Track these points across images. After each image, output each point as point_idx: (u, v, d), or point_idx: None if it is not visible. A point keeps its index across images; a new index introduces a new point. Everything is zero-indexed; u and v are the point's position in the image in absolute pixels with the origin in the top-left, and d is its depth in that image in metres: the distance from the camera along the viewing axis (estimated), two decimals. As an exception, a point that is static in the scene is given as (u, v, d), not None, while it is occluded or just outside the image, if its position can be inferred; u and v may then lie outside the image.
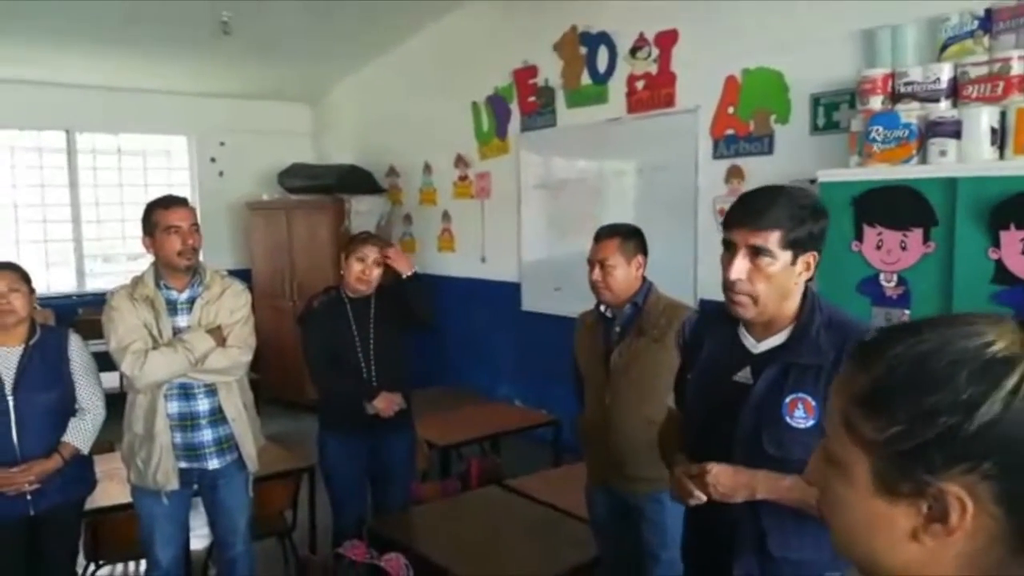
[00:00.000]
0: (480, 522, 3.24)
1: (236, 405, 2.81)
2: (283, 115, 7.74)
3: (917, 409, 0.65)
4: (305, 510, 3.73)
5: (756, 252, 1.62)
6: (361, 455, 3.27)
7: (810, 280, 1.69)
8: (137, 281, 2.77)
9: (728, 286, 1.67)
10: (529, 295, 5.71)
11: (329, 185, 6.65)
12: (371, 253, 3.20)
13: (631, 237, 2.65)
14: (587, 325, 2.79)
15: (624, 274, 2.60)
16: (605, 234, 2.65)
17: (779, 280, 1.64)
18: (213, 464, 2.80)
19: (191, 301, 2.77)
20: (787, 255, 1.63)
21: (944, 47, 3.20)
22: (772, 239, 1.61)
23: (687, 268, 4.48)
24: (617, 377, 2.64)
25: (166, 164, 7.51)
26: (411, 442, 3.45)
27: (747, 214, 1.66)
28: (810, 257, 1.66)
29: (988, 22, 3.10)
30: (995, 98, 2.94)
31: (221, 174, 7.49)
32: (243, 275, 6.43)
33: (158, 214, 2.71)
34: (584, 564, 2.89)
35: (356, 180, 6.76)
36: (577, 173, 5.30)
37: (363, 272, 3.19)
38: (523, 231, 5.72)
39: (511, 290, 5.83)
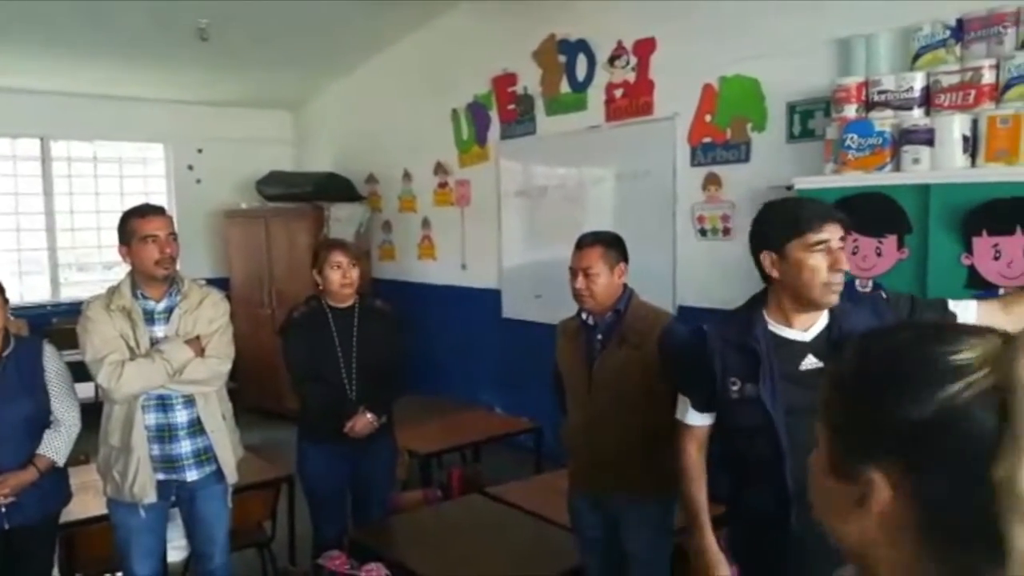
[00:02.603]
0: (462, 531, 3.23)
1: (215, 416, 2.79)
2: (262, 122, 7.71)
3: (865, 400, 0.70)
4: (284, 521, 3.69)
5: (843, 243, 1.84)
6: (341, 465, 3.24)
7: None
8: (113, 291, 2.74)
9: (830, 281, 1.81)
10: (509, 302, 5.72)
11: (308, 193, 6.63)
12: (343, 257, 3.18)
13: (613, 245, 2.66)
14: (568, 333, 2.80)
15: (607, 282, 2.61)
16: (588, 242, 2.66)
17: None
18: (191, 476, 2.77)
19: (169, 311, 2.74)
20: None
21: (917, 56, 3.25)
22: (842, 232, 1.84)
23: (666, 275, 4.50)
24: (599, 384, 2.64)
25: (143, 172, 7.44)
26: (391, 451, 3.43)
27: (835, 213, 1.86)
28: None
29: (960, 32, 3.15)
30: (967, 106, 2.99)
31: (199, 182, 7.43)
32: (221, 283, 6.40)
33: (135, 223, 2.68)
34: (567, 572, 2.88)
35: (335, 187, 6.73)
36: (557, 180, 5.31)
37: (344, 277, 3.17)
38: (503, 238, 5.73)
39: (491, 297, 5.83)
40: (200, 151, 7.40)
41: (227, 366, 2.81)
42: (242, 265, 7.11)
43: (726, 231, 4.27)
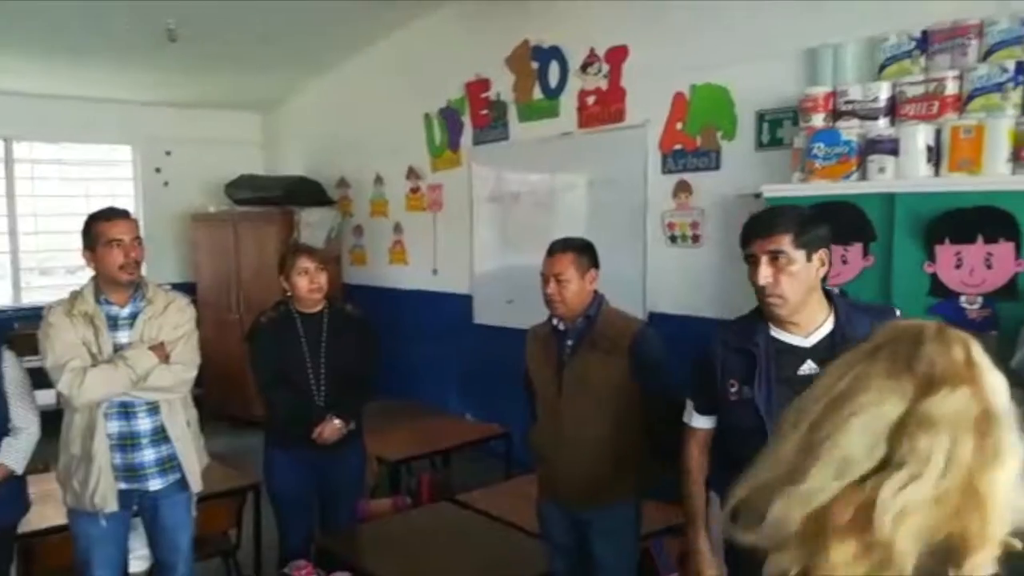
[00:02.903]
0: (430, 538, 3.21)
1: (179, 423, 2.74)
2: (231, 125, 7.62)
3: None
4: (250, 529, 3.64)
5: (774, 256, 1.88)
6: (308, 472, 3.20)
7: (825, 278, 1.96)
8: (76, 296, 2.68)
9: (760, 292, 1.92)
10: (481, 308, 5.71)
11: (277, 196, 6.56)
12: (310, 262, 3.14)
13: (585, 251, 2.67)
14: (539, 338, 2.80)
15: (578, 288, 2.62)
16: (559, 248, 2.67)
17: (801, 276, 1.88)
18: (155, 485, 2.72)
19: (133, 317, 2.69)
20: (801, 254, 1.88)
21: (883, 67, 3.30)
22: (785, 242, 1.87)
23: (637, 281, 4.52)
24: (570, 391, 2.65)
25: (109, 174, 7.32)
26: (360, 458, 3.40)
27: (759, 227, 1.94)
28: (823, 254, 1.92)
29: (924, 43, 3.21)
30: (931, 116, 3.04)
31: (166, 184, 7.33)
32: (188, 288, 6.31)
33: (99, 227, 2.63)
34: (536, 578, 2.88)
35: (305, 191, 6.68)
36: (529, 186, 5.32)
37: (311, 283, 3.13)
38: (475, 244, 5.72)
39: (463, 303, 5.81)
40: (168, 153, 7.29)
41: (192, 373, 2.77)
42: (210, 270, 7.02)
43: (695, 238, 4.30)
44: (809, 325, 1.95)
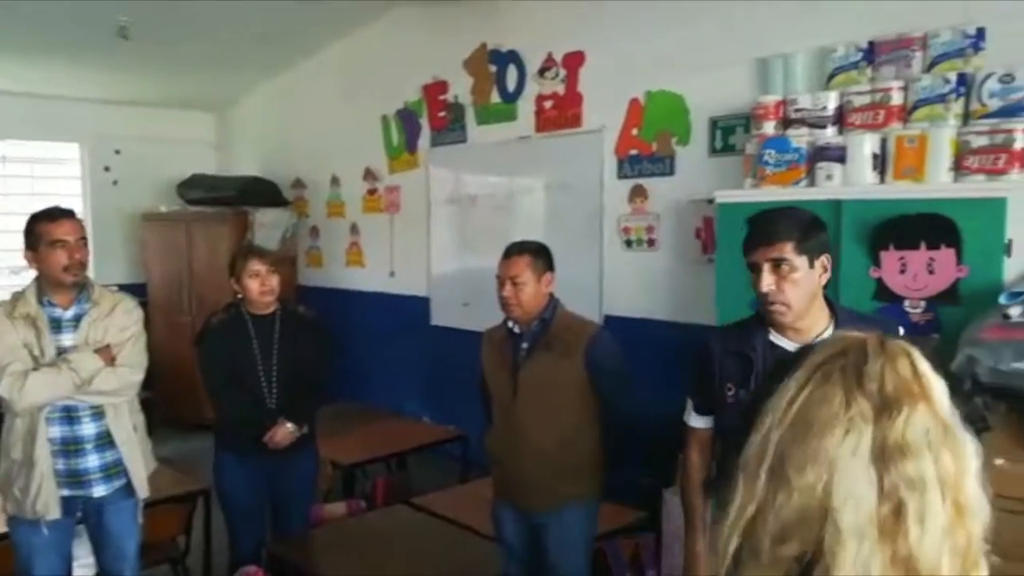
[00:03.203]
0: (385, 542, 3.19)
1: (125, 428, 2.68)
2: (184, 124, 7.47)
3: None
4: (200, 535, 3.58)
5: (777, 264, 1.88)
6: (259, 476, 3.16)
7: (826, 286, 1.97)
8: (17, 297, 2.61)
9: (762, 299, 1.92)
10: (438, 310, 5.69)
11: (231, 197, 6.45)
12: (261, 265, 3.10)
13: (540, 254, 2.69)
14: (494, 341, 2.81)
15: (534, 290, 2.64)
16: (515, 251, 2.68)
17: (804, 283, 1.89)
18: (99, 491, 2.65)
19: (77, 319, 2.63)
20: (803, 260, 1.89)
21: (831, 76, 3.38)
22: (787, 249, 1.87)
23: (593, 284, 4.56)
24: (525, 393, 2.66)
25: (56, 172, 7.12)
26: (313, 462, 3.36)
27: (761, 234, 1.93)
28: (824, 260, 1.93)
29: (871, 54, 3.29)
30: (877, 125, 3.12)
31: (115, 183, 7.15)
32: (138, 289, 6.17)
33: (42, 227, 2.57)
34: (490, 581, 2.88)
35: (260, 192, 6.58)
36: (487, 189, 5.32)
37: (262, 285, 3.09)
38: (432, 246, 5.70)
39: (420, 305, 5.79)
40: (118, 152, 7.12)
41: (139, 376, 2.71)
42: (161, 271, 6.88)
43: (651, 242, 4.35)
44: (809, 332, 1.94)
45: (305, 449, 3.23)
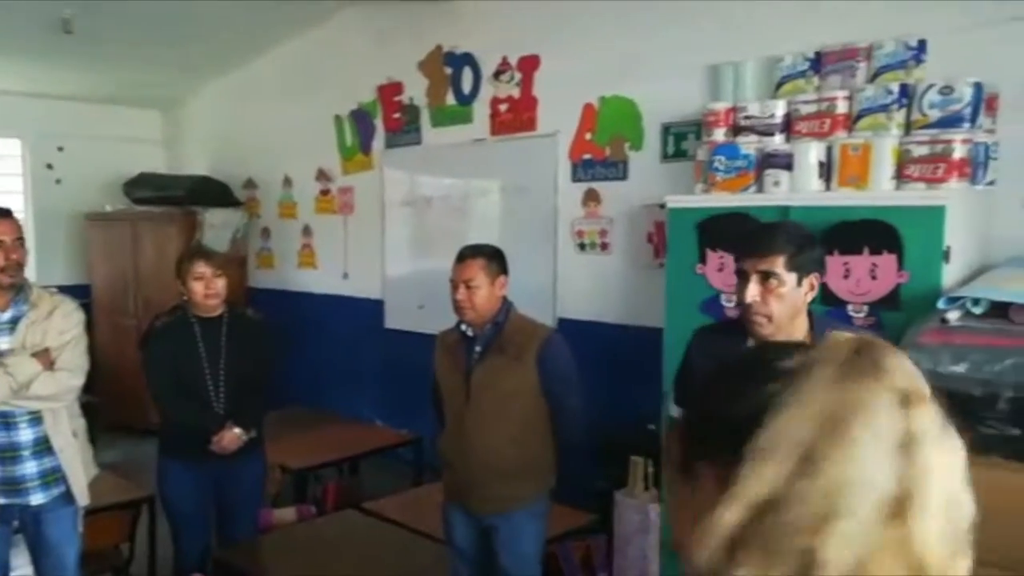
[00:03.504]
0: (334, 547, 3.16)
1: (64, 434, 2.60)
2: (131, 121, 7.29)
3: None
4: (144, 542, 3.49)
5: (766, 277, 1.89)
6: (205, 482, 3.09)
7: (812, 301, 1.98)
8: (-49, 299, 2.52)
9: (745, 309, 1.93)
10: (392, 313, 5.65)
11: (180, 197, 6.32)
12: (206, 267, 3.03)
13: (494, 258, 2.69)
14: (447, 344, 2.80)
15: (488, 294, 2.64)
16: (469, 254, 2.68)
17: (789, 299, 1.90)
18: (37, 499, 2.57)
19: (14, 321, 2.55)
20: (792, 277, 1.90)
21: (779, 85, 3.44)
22: (778, 263, 1.88)
23: (547, 287, 4.57)
24: (477, 396, 2.66)
25: (-6, 169, 6.90)
26: (261, 467, 3.30)
27: (754, 245, 1.93)
28: (813, 278, 1.94)
29: (818, 64, 3.36)
30: (822, 134, 3.19)
31: (59, 182, 6.94)
32: (82, 291, 6.01)
33: None
34: (441, 586, 2.87)
35: (210, 192, 6.46)
36: (442, 191, 5.30)
37: (207, 288, 3.03)
38: (387, 248, 5.66)
39: (374, 307, 5.74)
40: (61, 149, 6.91)
41: (79, 380, 2.64)
42: (106, 272, 6.70)
43: (604, 246, 4.38)
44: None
45: (253, 454, 3.18)
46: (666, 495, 2.13)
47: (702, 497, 0.72)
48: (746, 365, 0.76)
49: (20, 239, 2.54)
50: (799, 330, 1.96)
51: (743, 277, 1.93)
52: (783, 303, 1.89)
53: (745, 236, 2.00)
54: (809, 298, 1.95)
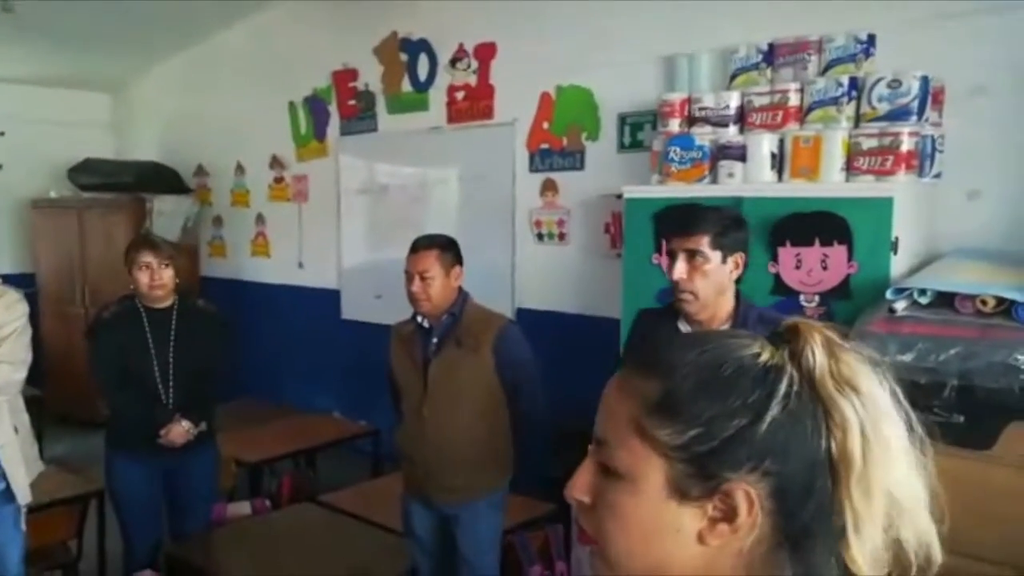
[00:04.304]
0: (290, 541, 3.12)
1: (5, 430, 2.52)
2: (77, 105, 7.06)
3: (713, 412, 0.69)
4: (94, 538, 3.41)
5: (692, 255, 2.01)
6: (155, 475, 3.03)
7: (739, 281, 2.10)
8: None
9: (673, 287, 2.05)
10: (349, 303, 5.59)
11: (128, 183, 6.16)
12: (152, 257, 2.96)
13: (448, 248, 2.68)
14: (403, 336, 2.78)
15: (443, 284, 2.63)
16: (423, 245, 2.66)
17: (714, 277, 2.02)
18: (-24, 497, 2.50)
19: (-47, 313, 2.45)
20: (717, 255, 2.01)
21: (733, 76, 3.47)
22: (703, 242, 2.00)
23: (506, 277, 4.57)
24: (435, 388, 2.65)
25: (-69, 154, 6.64)
26: (213, 460, 3.24)
27: (682, 225, 2.06)
28: (738, 257, 2.06)
29: (771, 56, 3.40)
30: (775, 126, 3.22)
31: (0, 167, 6.71)
32: (26, 280, 5.84)
33: None
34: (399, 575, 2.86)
35: (159, 178, 6.31)
36: (399, 180, 5.25)
37: (152, 279, 2.95)
38: (343, 237, 5.59)
39: (330, 297, 5.67)
40: (2, 134, 6.67)
41: (21, 373, 2.56)
42: (51, 260, 6.51)
43: (562, 236, 4.39)
44: (712, 323, 2.06)
45: (204, 447, 3.12)
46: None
47: (740, 512, 0.68)
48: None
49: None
50: (724, 308, 2.08)
51: (672, 257, 2.06)
52: (708, 280, 2.02)
53: (674, 218, 2.14)
54: (734, 276, 2.08)
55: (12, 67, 6.34)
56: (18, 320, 2.57)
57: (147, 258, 2.94)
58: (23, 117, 6.64)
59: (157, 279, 2.95)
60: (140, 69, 6.87)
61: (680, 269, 2.02)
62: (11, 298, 2.59)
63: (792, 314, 2.59)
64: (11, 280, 2.75)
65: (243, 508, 3.75)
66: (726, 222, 2.07)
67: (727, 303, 2.09)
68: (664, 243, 2.13)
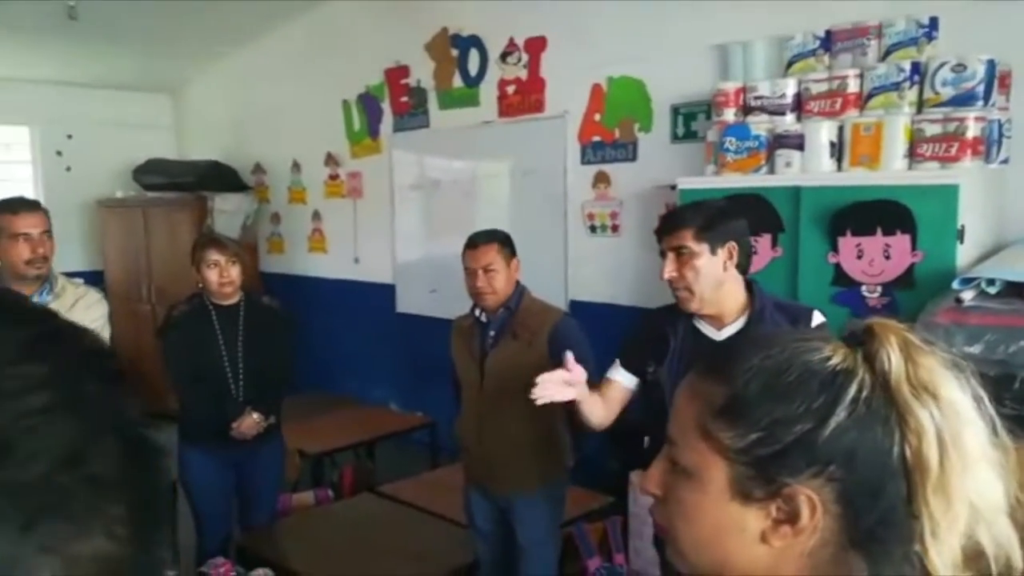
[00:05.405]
0: (353, 531, 3.21)
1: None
2: (139, 107, 7.29)
3: (775, 417, 0.69)
4: (167, 528, 3.54)
5: (679, 252, 1.97)
6: (226, 468, 3.14)
7: (745, 271, 2.04)
8: (-28, 290, 2.54)
9: (670, 286, 2.03)
10: (404, 297, 5.67)
11: (189, 182, 6.34)
12: (220, 255, 3.04)
13: (506, 242, 2.72)
14: (462, 330, 2.83)
15: (506, 277, 2.67)
16: (483, 240, 2.69)
17: (706, 270, 1.97)
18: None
19: (36, 312, 2.57)
20: (704, 247, 1.97)
21: (790, 64, 3.42)
22: (687, 237, 1.97)
23: (558, 270, 4.58)
24: (491, 380, 2.68)
25: (5, 157, 6.92)
26: (279, 452, 3.35)
27: (666, 224, 2.06)
28: (730, 247, 1.99)
29: (828, 42, 3.34)
30: (834, 113, 3.17)
31: (68, 169, 6.96)
32: (95, 276, 6.06)
33: (5, 219, 2.51)
34: (462, 567, 2.92)
35: (219, 177, 6.47)
36: (451, 174, 5.30)
37: (221, 276, 3.04)
38: (397, 232, 5.67)
39: (386, 292, 5.76)
40: (70, 136, 6.93)
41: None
42: (119, 259, 6.74)
43: (615, 228, 4.38)
44: (724, 319, 2.03)
45: (271, 440, 3.22)
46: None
47: (805, 515, 0.69)
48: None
49: (47, 232, 2.56)
50: (731, 299, 2.03)
51: (664, 256, 2.05)
52: (699, 275, 1.97)
53: (661, 219, 2.12)
54: (730, 266, 2.01)
55: (78, 71, 6.58)
56: (97, 320, 2.68)
57: (215, 256, 3.03)
58: (89, 120, 6.88)
59: (226, 276, 3.04)
60: (197, 70, 7.05)
61: (668, 268, 2.00)
62: (93, 297, 2.71)
63: (852, 305, 2.56)
64: (82, 277, 2.87)
65: (307, 498, 3.85)
66: (709, 214, 2.03)
67: (734, 295, 2.04)
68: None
